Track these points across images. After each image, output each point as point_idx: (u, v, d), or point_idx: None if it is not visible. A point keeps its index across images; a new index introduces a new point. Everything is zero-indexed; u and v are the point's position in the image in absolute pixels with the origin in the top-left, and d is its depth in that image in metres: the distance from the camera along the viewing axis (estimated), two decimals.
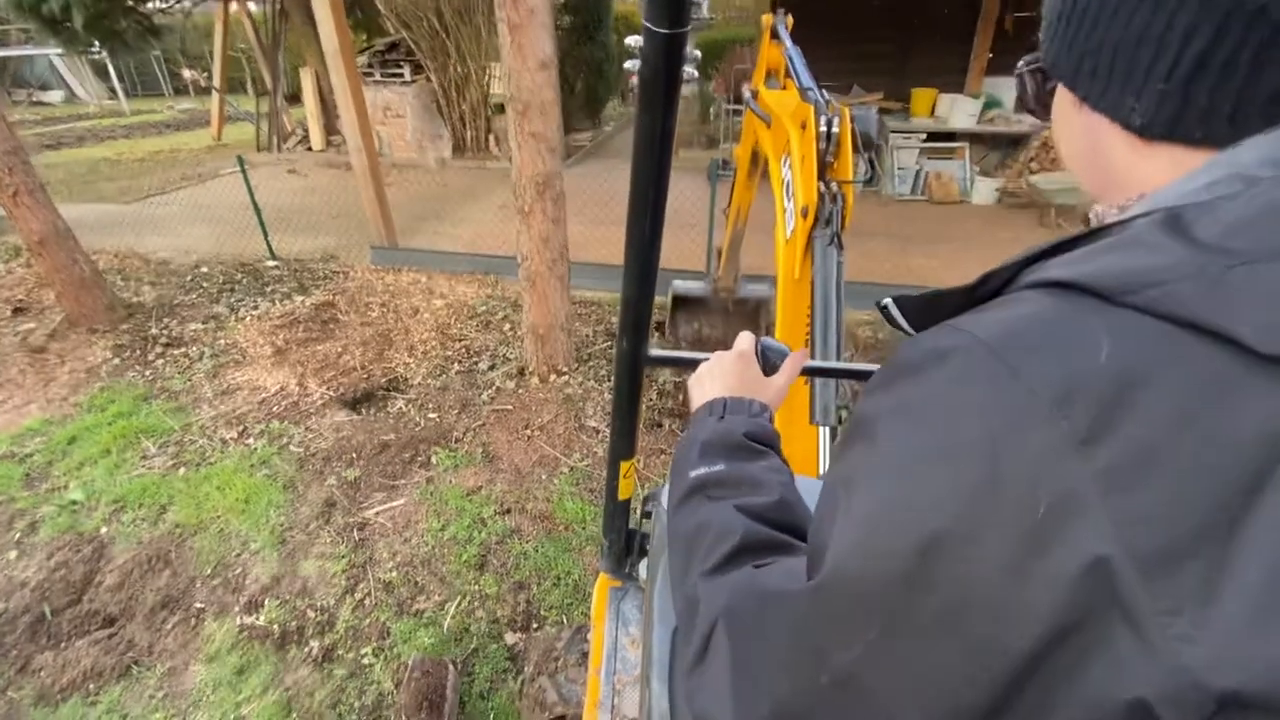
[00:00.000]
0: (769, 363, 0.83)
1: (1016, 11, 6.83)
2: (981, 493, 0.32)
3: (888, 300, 0.51)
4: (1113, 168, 0.44)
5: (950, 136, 6.65)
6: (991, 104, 6.60)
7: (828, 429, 1.47)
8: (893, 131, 6.64)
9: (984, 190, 6.47)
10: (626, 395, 1.16)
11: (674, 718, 1.19)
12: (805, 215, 1.51)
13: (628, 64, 0.71)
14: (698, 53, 0.80)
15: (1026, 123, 6.51)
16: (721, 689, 0.44)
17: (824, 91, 1.66)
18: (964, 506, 0.32)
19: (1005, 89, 6.70)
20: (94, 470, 2.93)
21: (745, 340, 0.82)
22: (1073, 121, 0.47)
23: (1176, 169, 0.39)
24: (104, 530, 2.63)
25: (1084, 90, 0.44)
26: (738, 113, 8.03)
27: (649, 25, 0.60)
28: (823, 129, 1.52)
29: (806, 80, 1.75)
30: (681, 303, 3.83)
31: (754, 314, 3.85)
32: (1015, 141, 6.65)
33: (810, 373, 1.05)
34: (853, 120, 1.57)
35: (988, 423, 0.33)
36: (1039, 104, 0.53)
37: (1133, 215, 0.37)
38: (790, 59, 1.89)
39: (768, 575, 0.48)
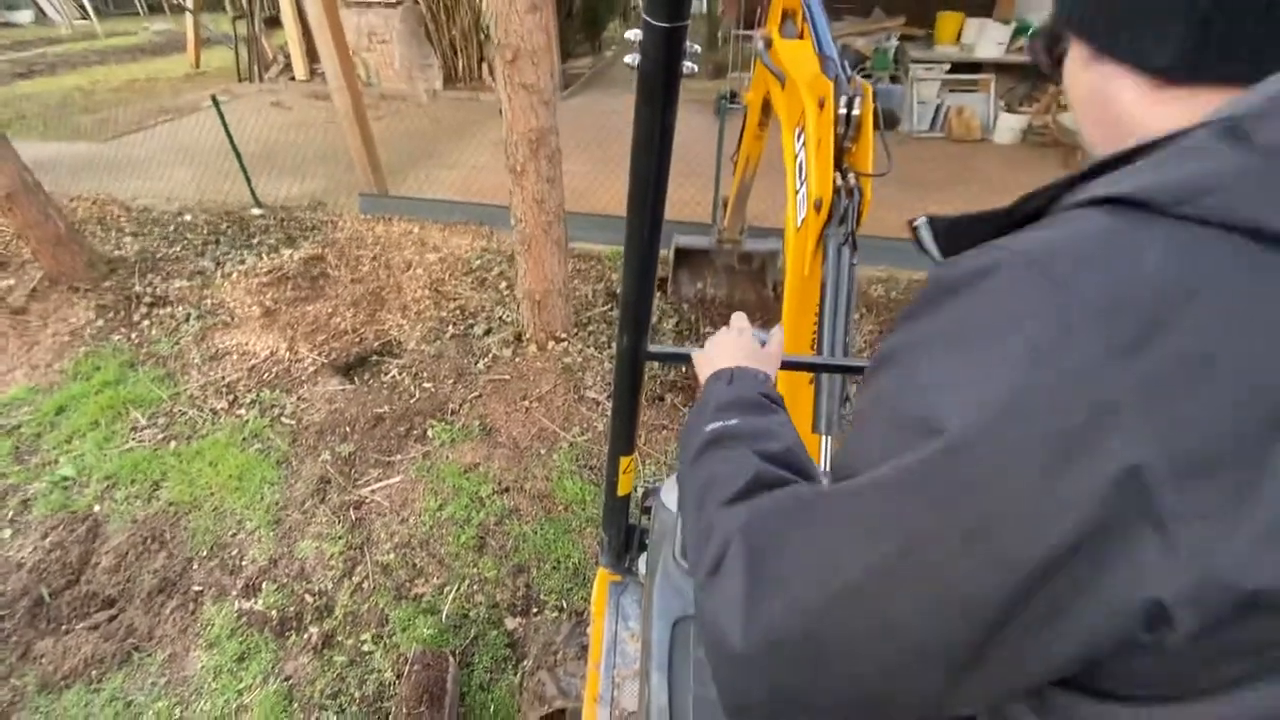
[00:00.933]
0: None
1: None
2: (1018, 403, 0.32)
3: (920, 220, 0.50)
4: (1123, 118, 0.44)
5: (976, 68, 6.19)
6: (1023, 29, 6.09)
7: (829, 438, 1.41)
8: (913, 61, 6.17)
9: (1008, 127, 6.08)
10: (626, 392, 1.15)
11: (673, 711, 1.18)
12: (818, 209, 1.39)
13: (627, 58, 0.69)
14: (697, 47, 0.75)
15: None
16: (734, 595, 0.42)
17: (845, 63, 1.48)
18: (1005, 416, 0.32)
19: (1038, 11, 6.17)
20: (83, 444, 2.87)
21: (742, 319, 0.87)
22: (1082, 77, 0.47)
23: (1193, 114, 0.38)
24: (97, 508, 2.60)
25: (1101, 40, 0.44)
26: (748, 38, 7.47)
27: (648, 19, 0.60)
28: (842, 111, 1.37)
29: (827, 46, 1.54)
30: (684, 257, 3.67)
31: (760, 272, 3.68)
32: (1046, 74, 6.19)
33: (791, 366, 1.07)
34: (876, 99, 1.39)
35: (1029, 334, 0.32)
36: (1050, 61, 0.53)
37: (1179, 130, 0.36)
38: (809, 11, 1.66)
39: (786, 493, 0.48)
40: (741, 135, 2.59)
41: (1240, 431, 0.28)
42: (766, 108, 2.33)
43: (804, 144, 1.45)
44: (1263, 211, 0.29)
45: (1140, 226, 0.32)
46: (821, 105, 1.39)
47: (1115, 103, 0.44)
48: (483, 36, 7.80)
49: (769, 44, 1.76)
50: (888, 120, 1.43)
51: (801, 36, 1.70)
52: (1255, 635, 0.30)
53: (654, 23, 0.59)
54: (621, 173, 0.77)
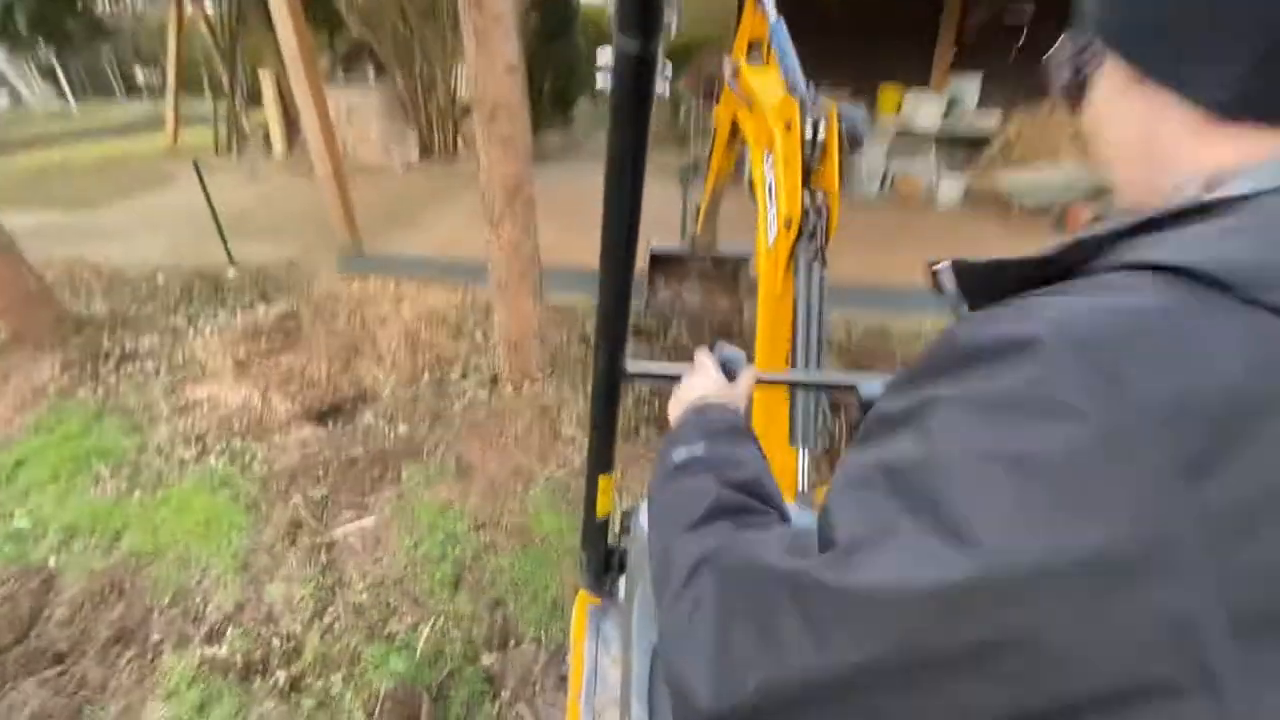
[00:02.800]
0: (725, 366, 0.87)
1: (979, 11, 6.93)
2: (1056, 522, 0.27)
3: (944, 265, 0.45)
4: (1167, 154, 0.39)
5: (916, 135, 6.73)
6: (956, 102, 6.70)
7: (806, 451, 1.44)
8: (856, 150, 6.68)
9: (950, 189, 6.56)
10: (604, 410, 1.14)
11: None
12: (789, 227, 1.45)
13: (599, 81, 0.71)
14: (669, 71, 0.79)
15: (988, 121, 6.62)
16: (702, 652, 0.40)
17: (811, 85, 1.55)
18: (1032, 535, 0.28)
19: (969, 87, 6.80)
20: (42, 496, 2.78)
21: (705, 356, 0.87)
22: (1123, 102, 0.41)
23: (1252, 152, 0.35)
24: (53, 561, 2.50)
25: (1150, 61, 0.39)
26: (709, 110, 8.01)
27: (619, 44, 0.60)
28: (809, 133, 1.43)
29: (792, 71, 1.62)
30: (659, 264, 3.81)
31: (733, 276, 3.82)
32: (979, 140, 6.76)
33: (770, 382, 1.05)
34: (840, 120, 1.47)
35: (1074, 439, 0.27)
36: (1074, 86, 0.47)
37: (1255, 190, 0.31)
38: (775, 40, 1.75)
39: (766, 537, 0.45)
40: (711, 152, 2.73)
41: None
42: (733, 127, 2.41)
43: (773, 165, 1.50)
44: None
45: (1209, 311, 0.28)
46: (789, 127, 1.46)
47: (1157, 134, 0.39)
48: (457, 112, 8.21)
49: (736, 71, 1.84)
50: (851, 141, 1.50)
51: (767, 64, 1.79)
52: None
53: (626, 46, 0.60)
54: (591, 232, 0.80)
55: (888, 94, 6.76)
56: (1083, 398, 0.28)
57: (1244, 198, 0.31)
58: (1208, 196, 0.33)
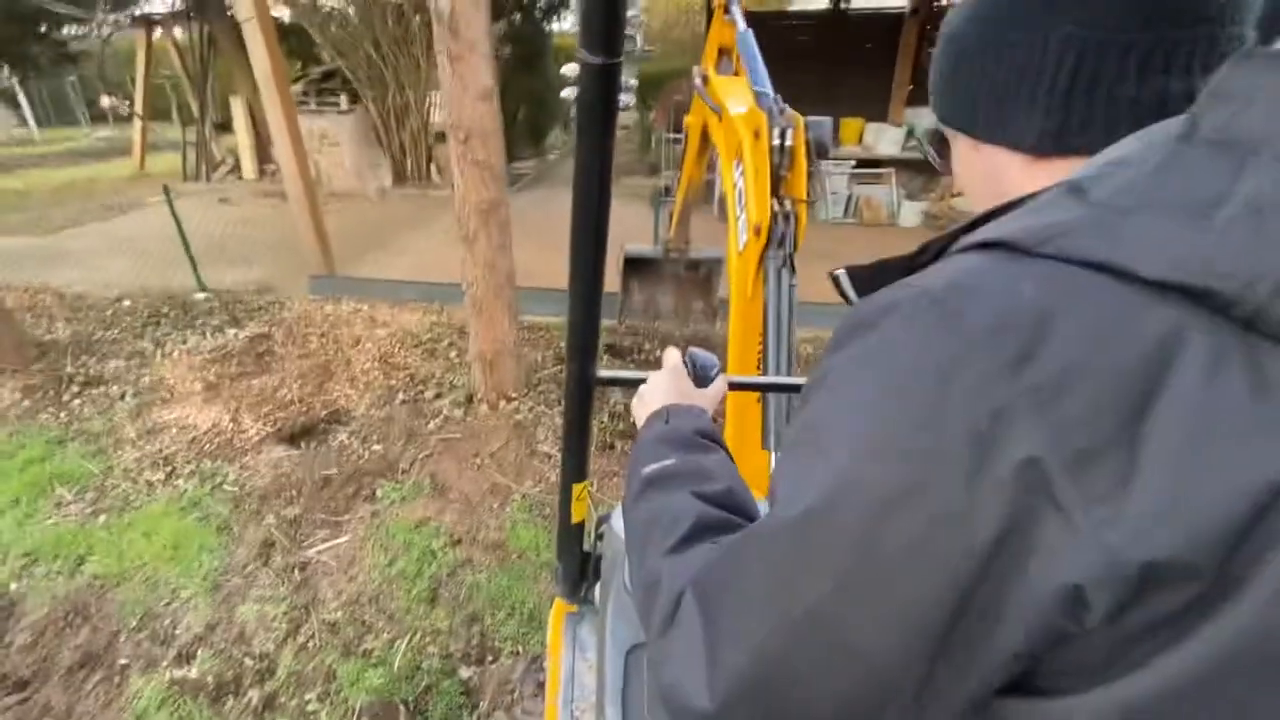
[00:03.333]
0: (698, 369, 0.89)
1: (932, 47, 7.30)
2: (935, 417, 0.36)
3: (840, 271, 0.57)
4: (1010, 187, 0.51)
5: (877, 163, 7.02)
6: (913, 132, 7.02)
7: (779, 454, 1.48)
8: (823, 159, 6.95)
9: (911, 213, 6.83)
10: (577, 418, 1.16)
11: None
12: (758, 233, 1.48)
13: (565, 92, 0.75)
14: (634, 81, 0.84)
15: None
16: (693, 652, 0.43)
17: (778, 96, 1.59)
18: (921, 433, 0.36)
19: (926, 118, 7.14)
20: (1, 522, 2.71)
21: (673, 356, 0.89)
22: (972, 160, 0.57)
23: (1062, 178, 0.45)
24: (14, 586, 2.43)
25: (980, 129, 0.55)
26: (677, 141, 8.24)
27: (584, 57, 0.62)
28: (776, 141, 1.47)
29: (760, 81, 1.66)
30: (633, 267, 3.83)
31: (706, 281, 3.89)
32: (937, 168, 7.07)
33: (737, 387, 1.09)
34: (807, 129, 1.51)
35: (935, 356, 0.37)
36: (944, 161, 0.66)
37: (1037, 190, 0.44)
38: (743, 50, 1.79)
39: (733, 540, 0.49)
40: (682, 160, 2.74)
41: (1112, 423, 0.32)
42: (705, 134, 2.40)
43: (742, 173, 1.54)
44: (1099, 249, 0.35)
45: (1015, 263, 0.38)
46: (757, 136, 1.49)
47: (1002, 176, 0.53)
48: (430, 139, 8.30)
49: (706, 80, 1.86)
50: (819, 150, 1.54)
51: (736, 73, 1.83)
52: (1158, 607, 0.32)
53: (590, 60, 0.62)
54: (564, 255, 0.85)
55: (849, 125, 7.05)
56: (935, 328, 0.38)
57: (1031, 195, 0.43)
58: (1010, 200, 0.46)
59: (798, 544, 0.40)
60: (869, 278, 0.54)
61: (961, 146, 0.58)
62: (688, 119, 2.59)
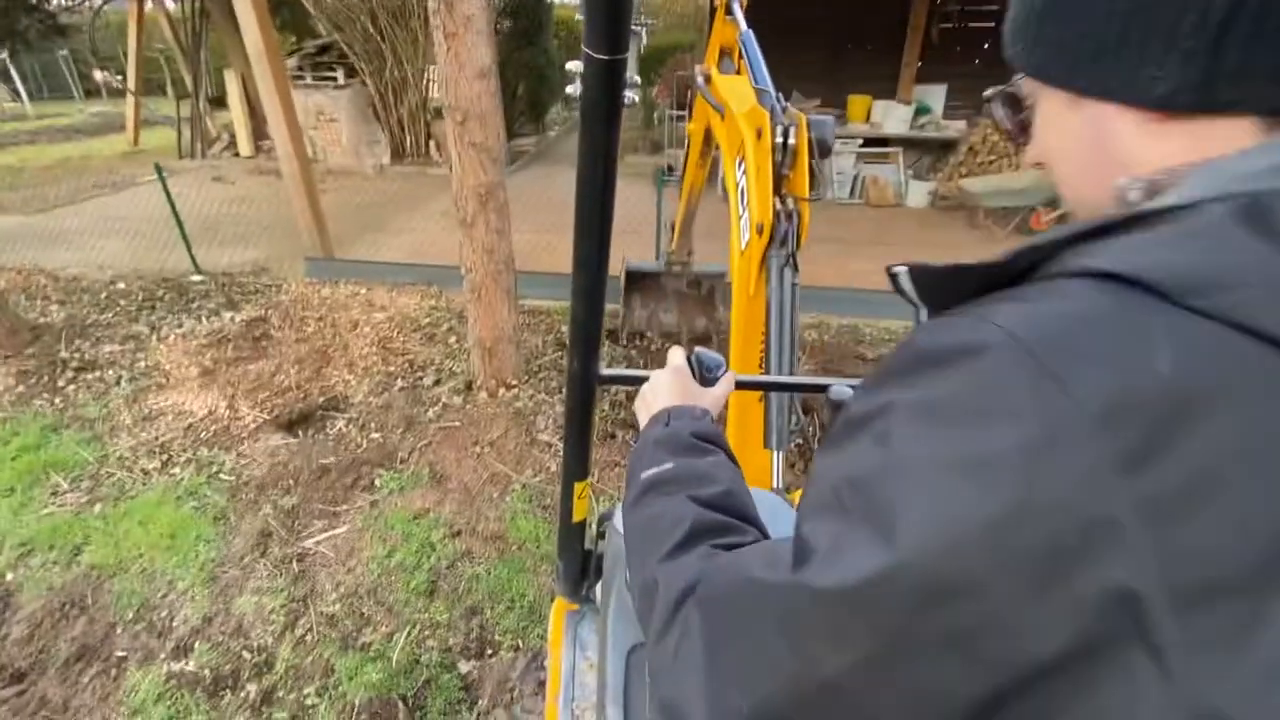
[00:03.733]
0: (704, 368, 0.87)
1: (942, 23, 7.11)
2: (1010, 513, 0.29)
3: (900, 268, 0.46)
4: (1121, 159, 0.40)
5: (884, 142, 6.87)
6: (922, 110, 6.86)
7: (780, 453, 1.46)
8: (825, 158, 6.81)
9: (918, 193, 6.71)
10: (579, 415, 1.14)
11: None
12: (760, 232, 1.47)
13: (569, 88, 0.72)
14: (637, 78, 0.79)
15: (953, 128, 6.80)
16: (693, 676, 0.41)
17: (780, 94, 1.57)
18: (989, 527, 0.30)
19: (935, 96, 6.98)
20: None
21: (677, 356, 0.85)
22: (1067, 124, 0.43)
23: (1199, 144, 0.36)
24: (10, 577, 2.41)
25: (1084, 80, 0.41)
26: (680, 118, 8.08)
27: (589, 52, 0.61)
28: (778, 140, 1.45)
29: (762, 80, 1.65)
30: (635, 281, 3.80)
31: (709, 297, 3.84)
32: (946, 146, 6.93)
33: (744, 386, 1.06)
34: (810, 128, 1.48)
35: (1024, 434, 0.29)
36: (1018, 127, 0.49)
37: (1196, 199, 0.32)
38: (745, 49, 1.78)
39: (744, 558, 0.45)
40: (684, 164, 2.73)
41: (1246, 560, 0.26)
42: (708, 137, 2.43)
43: (745, 172, 1.52)
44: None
45: (1144, 314, 0.29)
46: (759, 135, 1.47)
47: (1112, 142, 0.40)
48: (429, 115, 8.14)
49: (708, 79, 1.84)
50: (820, 149, 1.50)
51: (739, 72, 1.81)
52: None
53: (595, 55, 0.61)
54: (565, 237, 0.81)
55: (856, 103, 6.89)
56: (1025, 399, 0.30)
57: (1179, 207, 0.33)
58: (1148, 205, 0.34)
59: (827, 616, 0.35)
60: (939, 283, 0.44)
61: (1053, 105, 0.44)
62: (689, 126, 2.56)
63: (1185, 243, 0.31)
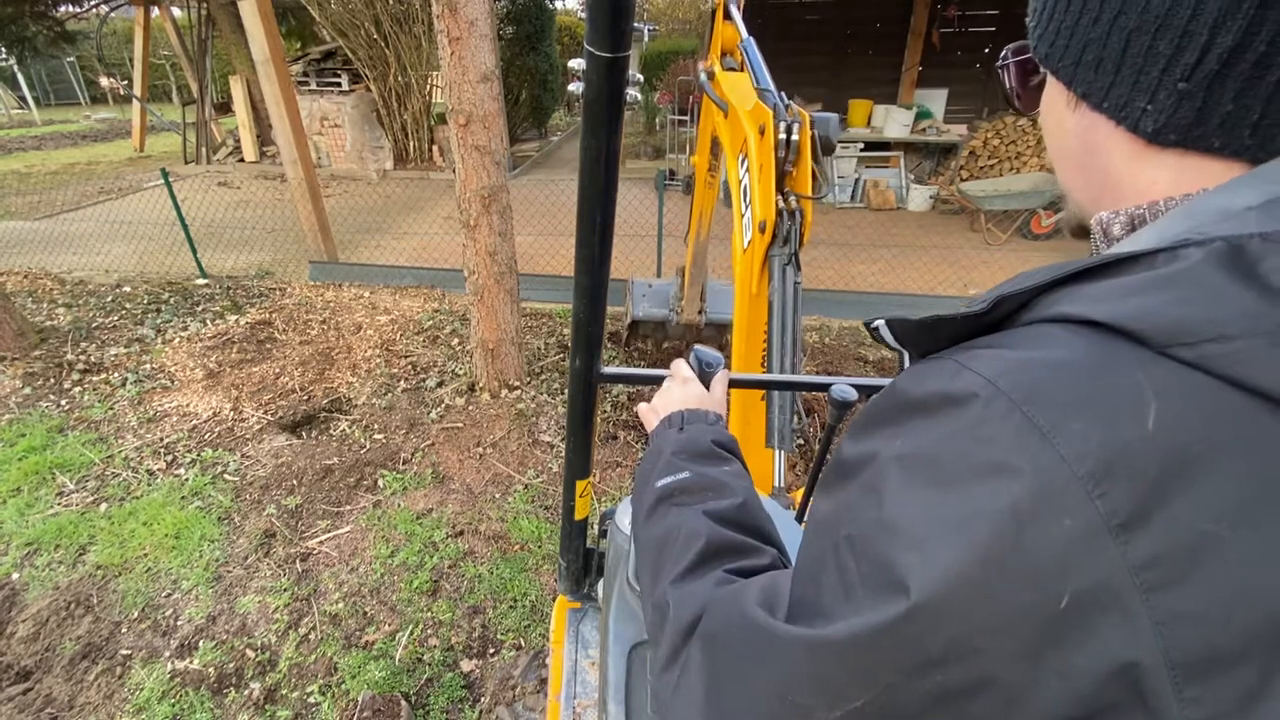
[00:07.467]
0: (703, 365, 0.87)
1: (943, 28, 7.15)
2: (999, 575, 0.28)
3: (878, 322, 0.47)
4: (1110, 173, 0.39)
5: (885, 146, 6.90)
6: (923, 114, 6.89)
7: (782, 453, 1.46)
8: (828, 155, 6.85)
9: (919, 197, 6.73)
10: (581, 414, 1.14)
11: None
12: (763, 230, 1.47)
13: (571, 86, 0.72)
14: (639, 76, 0.80)
15: (954, 132, 6.82)
16: (692, 716, 0.42)
17: (782, 93, 1.57)
18: (982, 590, 0.29)
19: (935, 100, 7.01)
20: (2, 511, 2.70)
21: (684, 369, 0.85)
22: (1065, 121, 0.42)
23: (1184, 178, 0.35)
24: (16, 576, 2.43)
25: (1084, 86, 0.39)
26: (682, 123, 8.12)
27: (591, 50, 0.61)
28: (781, 136, 1.45)
29: (763, 79, 1.65)
30: (637, 329, 3.54)
31: (720, 348, 3.66)
32: (946, 150, 6.95)
33: (738, 384, 1.07)
34: (813, 125, 1.48)
35: (1012, 494, 0.28)
36: (1023, 98, 0.47)
37: (1178, 242, 0.31)
38: (745, 51, 1.78)
39: (747, 595, 0.44)
40: (691, 189, 2.65)
41: (1250, 625, 0.25)
42: (715, 149, 2.36)
43: (748, 169, 1.52)
44: (1272, 372, 0.25)
45: (1130, 366, 0.28)
46: (762, 132, 1.47)
47: (1102, 155, 0.40)
48: (432, 121, 8.19)
49: (711, 75, 1.84)
50: (824, 146, 1.50)
51: (741, 69, 1.81)
52: None
53: (597, 54, 0.61)
54: (566, 240, 0.79)
55: (857, 107, 6.92)
56: (1013, 455, 0.29)
57: (1163, 250, 0.31)
58: (1126, 249, 0.33)
59: (819, 670, 0.35)
60: (915, 335, 0.43)
61: (1055, 95, 0.43)
62: (692, 159, 2.51)
63: (1165, 290, 0.29)
